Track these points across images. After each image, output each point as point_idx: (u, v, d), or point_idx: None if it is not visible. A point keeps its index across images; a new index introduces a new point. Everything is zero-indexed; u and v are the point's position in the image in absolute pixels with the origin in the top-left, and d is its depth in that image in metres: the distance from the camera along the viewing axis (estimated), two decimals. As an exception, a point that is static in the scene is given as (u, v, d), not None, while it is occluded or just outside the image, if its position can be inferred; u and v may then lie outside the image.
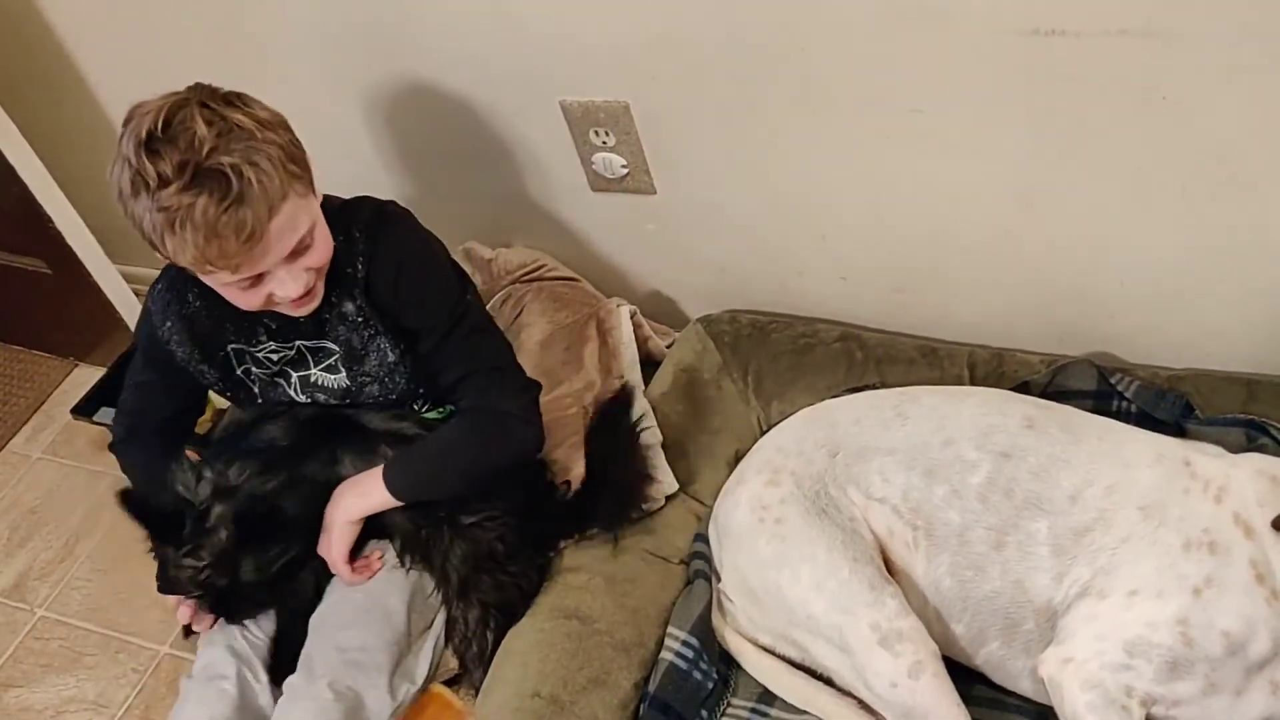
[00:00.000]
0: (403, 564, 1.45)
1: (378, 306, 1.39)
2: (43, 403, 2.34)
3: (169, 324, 1.43)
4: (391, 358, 1.42)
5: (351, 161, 1.88)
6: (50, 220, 2.03)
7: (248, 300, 1.29)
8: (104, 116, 2.06)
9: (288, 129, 1.27)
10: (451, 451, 1.40)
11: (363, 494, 1.40)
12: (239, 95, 1.25)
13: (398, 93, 1.73)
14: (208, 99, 1.22)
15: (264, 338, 1.43)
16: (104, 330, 2.25)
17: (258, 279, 1.26)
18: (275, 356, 1.44)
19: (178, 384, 1.50)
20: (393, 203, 1.45)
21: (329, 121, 1.82)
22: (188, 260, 1.21)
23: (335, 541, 1.41)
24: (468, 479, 1.41)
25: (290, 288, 1.28)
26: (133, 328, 2.18)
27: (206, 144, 1.17)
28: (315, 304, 1.35)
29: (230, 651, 1.42)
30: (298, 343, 1.43)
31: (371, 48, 1.68)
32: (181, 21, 1.77)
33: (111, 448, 1.59)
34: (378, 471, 1.39)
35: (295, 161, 1.25)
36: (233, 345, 1.44)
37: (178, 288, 1.42)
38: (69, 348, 2.40)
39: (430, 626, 1.48)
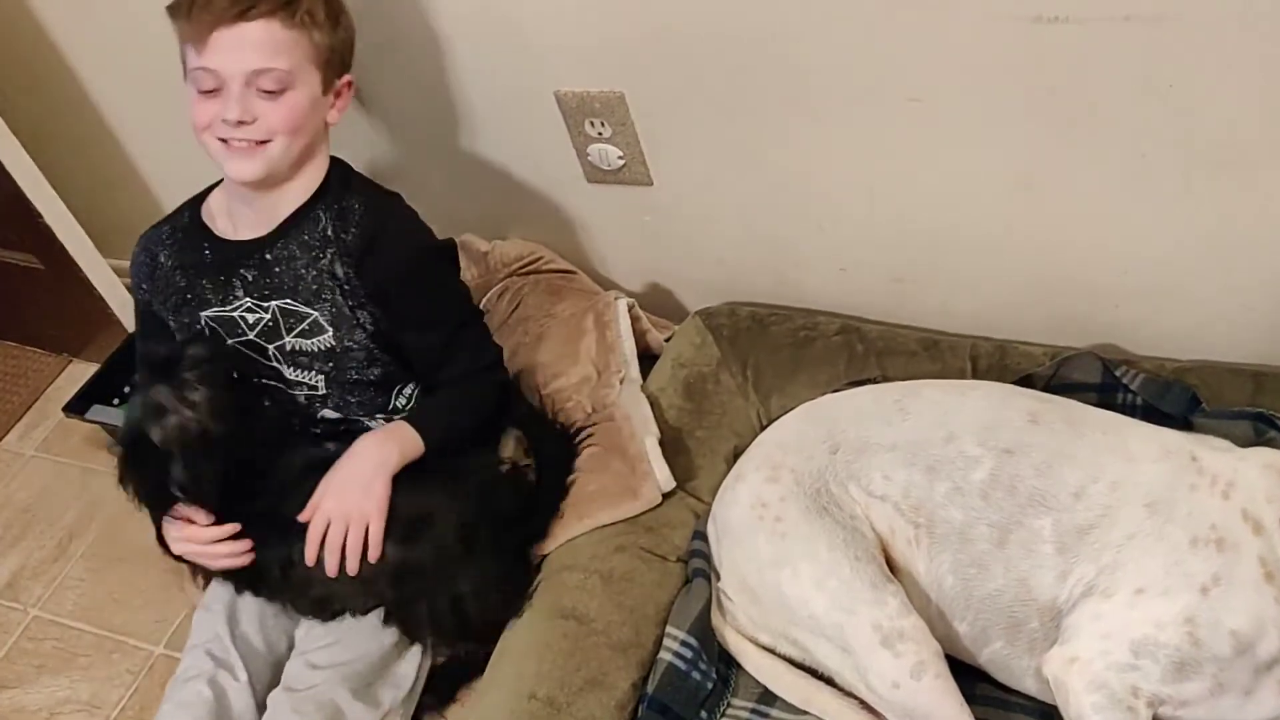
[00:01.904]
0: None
1: (366, 283, 1.40)
2: (36, 400, 2.32)
3: (144, 286, 1.47)
4: (370, 329, 1.43)
5: (345, 154, 1.86)
6: (40, 215, 2.01)
7: (200, 114, 1.32)
8: (93, 111, 2.05)
9: (345, 33, 1.38)
10: (469, 403, 1.47)
11: (399, 441, 1.39)
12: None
13: (391, 86, 1.71)
14: None
15: (240, 292, 1.41)
16: (97, 326, 2.23)
17: (215, 93, 1.30)
18: (251, 319, 1.42)
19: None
20: (390, 193, 1.48)
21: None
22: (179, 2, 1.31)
23: (381, 493, 1.34)
24: (478, 426, 1.49)
25: (233, 107, 1.29)
26: (125, 323, 2.17)
27: None
28: (257, 166, 1.34)
29: (208, 655, 1.41)
30: (273, 304, 1.41)
31: (364, 40, 1.65)
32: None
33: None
34: (402, 424, 1.40)
35: (331, 43, 1.34)
36: (210, 312, 1.43)
37: (150, 248, 1.47)
38: (62, 344, 2.39)
39: None
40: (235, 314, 1.42)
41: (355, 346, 1.43)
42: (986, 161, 1.41)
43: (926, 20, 1.29)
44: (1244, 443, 1.30)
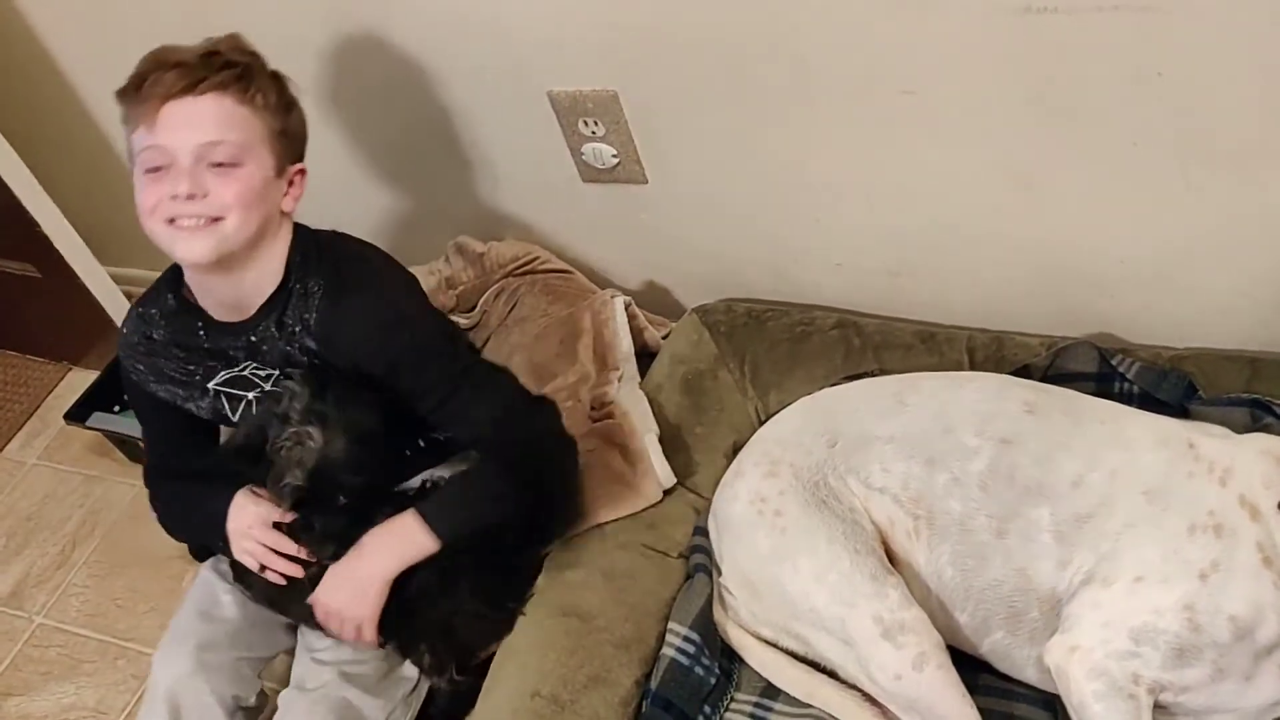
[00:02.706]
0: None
1: (340, 361, 1.34)
2: (37, 408, 2.33)
3: (140, 367, 1.42)
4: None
5: (339, 159, 1.86)
6: (37, 224, 2.01)
7: (147, 196, 1.25)
8: (88, 119, 2.05)
9: (298, 121, 1.35)
10: (491, 489, 1.35)
11: (402, 544, 1.32)
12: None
13: (384, 87, 1.71)
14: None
15: (242, 357, 1.38)
16: (96, 333, 2.23)
17: (163, 171, 1.24)
18: (262, 374, 1.39)
19: (177, 424, 1.45)
20: (368, 259, 1.41)
21: (314, 118, 1.80)
22: (129, 84, 1.27)
23: (374, 600, 1.33)
24: (511, 509, 1.37)
25: (183, 181, 1.23)
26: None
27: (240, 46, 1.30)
28: (208, 246, 1.26)
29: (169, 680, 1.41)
30: (273, 371, 1.38)
31: (356, 41, 1.66)
32: (164, 24, 1.75)
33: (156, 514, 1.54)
34: (409, 519, 1.32)
35: (284, 128, 1.30)
36: (220, 378, 1.40)
37: (142, 329, 1.41)
38: (62, 352, 2.39)
39: None
40: (245, 373, 1.40)
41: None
42: (980, 153, 1.41)
43: (917, 13, 1.29)
44: (1241, 429, 1.30)
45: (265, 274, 1.33)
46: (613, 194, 1.70)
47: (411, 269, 1.88)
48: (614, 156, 1.63)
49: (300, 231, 1.38)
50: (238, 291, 1.34)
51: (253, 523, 1.37)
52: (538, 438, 1.37)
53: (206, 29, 1.71)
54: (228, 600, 1.46)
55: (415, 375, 1.33)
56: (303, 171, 1.35)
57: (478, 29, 1.55)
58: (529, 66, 1.56)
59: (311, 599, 1.36)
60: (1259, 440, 1.25)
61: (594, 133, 1.61)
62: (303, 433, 1.30)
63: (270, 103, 1.28)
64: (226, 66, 1.26)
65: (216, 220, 1.25)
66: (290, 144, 1.32)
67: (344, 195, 1.92)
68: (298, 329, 1.33)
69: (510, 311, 1.81)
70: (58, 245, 2.05)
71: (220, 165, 1.24)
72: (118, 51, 1.67)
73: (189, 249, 1.27)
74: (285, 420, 1.31)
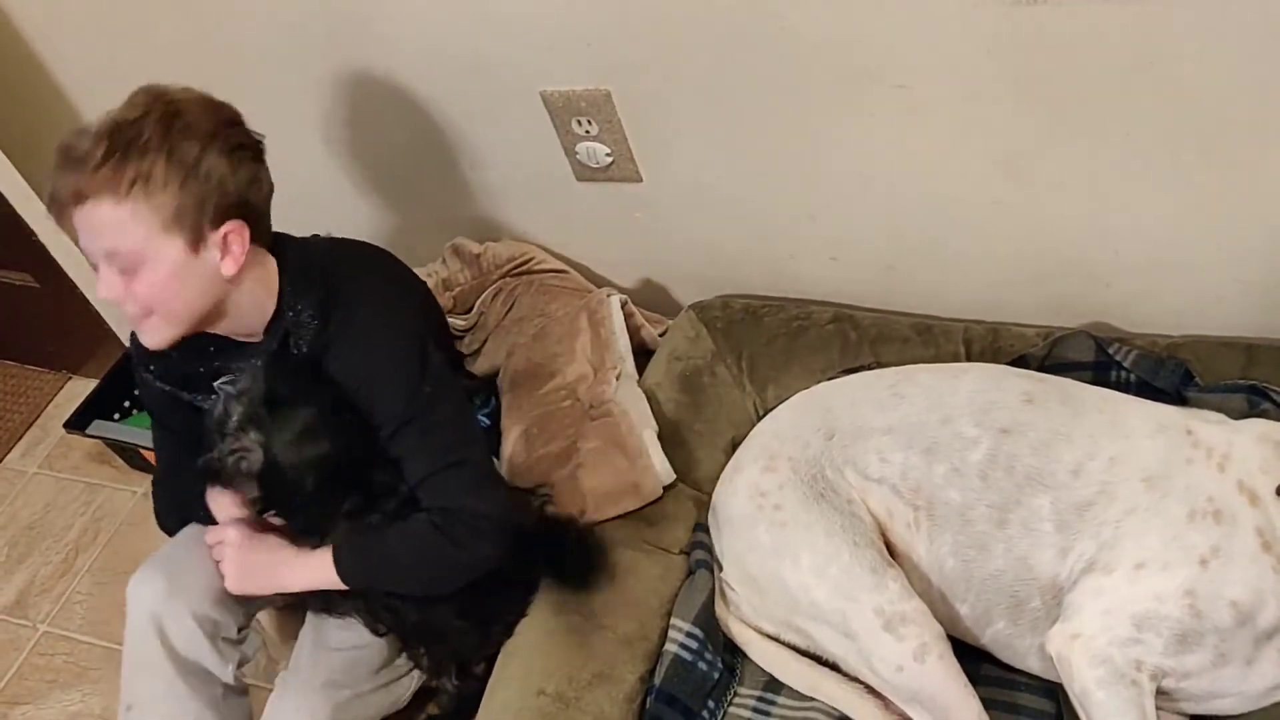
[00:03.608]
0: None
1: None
2: (37, 417, 2.33)
3: (153, 368, 1.41)
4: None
5: (335, 163, 1.87)
6: (34, 233, 2.02)
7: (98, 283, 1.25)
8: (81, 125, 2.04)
9: (213, 182, 1.21)
10: (413, 547, 1.29)
11: (315, 573, 1.32)
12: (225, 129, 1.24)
13: (378, 90, 1.71)
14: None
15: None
16: (95, 342, 2.24)
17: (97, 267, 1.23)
18: None
19: (193, 430, 1.39)
20: (358, 277, 1.37)
21: (310, 122, 1.81)
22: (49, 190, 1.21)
23: (264, 592, 1.36)
24: (424, 581, 1.33)
25: (101, 285, 1.23)
26: (123, 338, 2.17)
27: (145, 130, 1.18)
28: (159, 335, 1.27)
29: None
30: None
31: (348, 44, 1.66)
32: (158, 29, 1.76)
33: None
34: (327, 554, 1.31)
35: (183, 202, 1.19)
36: (226, 377, 1.38)
37: (146, 356, 1.39)
38: (61, 361, 2.40)
39: None
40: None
41: None
42: (973, 145, 1.42)
43: (909, 7, 1.29)
44: (1238, 415, 1.31)
45: (254, 310, 1.32)
46: (607, 193, 1.71)
47: (409, 271, 1.90)
48: (608, 155, 1.63)
49: (291, 255, 1.34)
50: (235, 327, 1.33)
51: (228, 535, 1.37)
52: (479, 515, 1.29)
53: (201, 36, 1.73)
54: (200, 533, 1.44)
55: (378, 403, 1.30)
56: (238, 230, 1.24)
57: (469, 29, 1.55)
58: (522, 67, 1.56)
59: (212, 545, 1.35)
60: (1256, 425, 1.26)
61: (588, 132, 1.61)
62: (240, 445, 1.28)
63: (156, 183, 1.18)
64: (105, 160, 1.16)
65: (150, 313, 1.25)
66: (199, 214, 1.21)
67: (341, 199, 1.93)
68: (298, 351, 1.33)
69: (508, 312, 1.81)
70: (55, 255, 2.06)
71: (125, 270, 1.22)
72: (114, 62, 1.68)
73: (147, 340, 1.29)
74: (223, 433, 1.29)
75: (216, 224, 1.23)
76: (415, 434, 1.29)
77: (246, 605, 1.44)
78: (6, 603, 1.97)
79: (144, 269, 1.21)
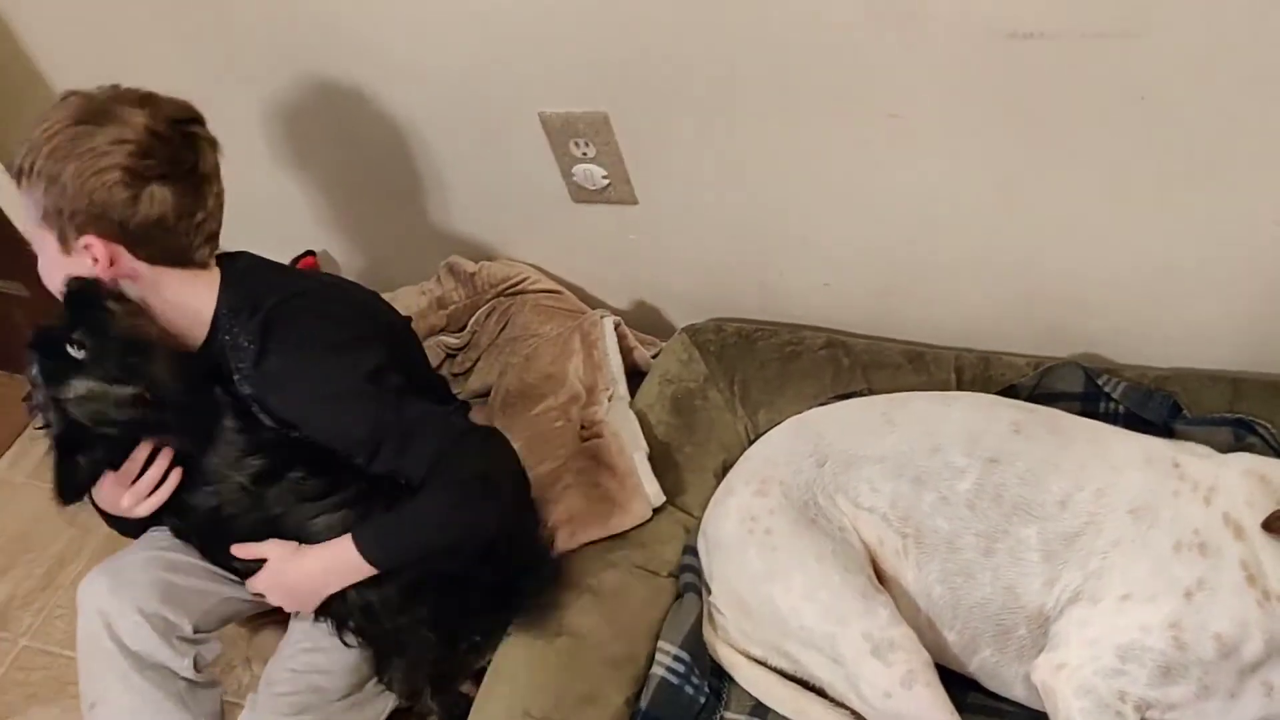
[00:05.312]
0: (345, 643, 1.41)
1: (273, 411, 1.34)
2: (25, 427, 2.31)
3: None
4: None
5: (332, 180, 1.87)
6: (24, 240, 2.01)
7: None
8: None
9: (79, 200, 1.24)
10: (436, 502, 1.27)
11: (340, 566, 1.29)
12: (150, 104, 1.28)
13: (376, 108, 1.72)
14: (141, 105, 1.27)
15: None
16: (85, 353, 2.22)
17: None
18: None
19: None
20: (289, 320, 1.33)
21: (306, 139, 1.81)
22: None
23: (315, 602, 1.35)
24: (463, 528, 1.28)
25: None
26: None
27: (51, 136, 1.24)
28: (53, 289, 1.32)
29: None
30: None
31: (348, 63, 1.67)
32: (151, 31, 1.76)
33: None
34: (346, 543, 1.28)
35: (57, 206, 1.24)
36: None
37: None
38: (50, 371, 2.38)
39: None
40: None
41: None
42: (966, 176, 1.43)
43: (903, 38, 1.31)
44: (1225, 448, 1.32)
45: (180, 322, 1.34)
46: (603, 214, 1.71)
47: (403, 289, 1.91)
48: (604, 177, 1.64)
49: (230, 282, 1.34)
50: (172, 329, 1.34)
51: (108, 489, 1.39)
52: (480, 472, 1.28)
53: (195, 40, 1.73)
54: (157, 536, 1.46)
55: (340, 439, 1.31)
56: (99, 244, 1.25)
57: (470, 51, 1.56)
58: (520, 88, 1.57)
59: (251, 588, 1.38)
60: (1242, 460, 1.27)
61: (585, 154, 1.62)
62: (64, 395, 1.36)
63: (34, 182, 1.25)
64: (28, 150, 1.25)
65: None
66: (65, 218, 1.24)
67: (337, 216, 1.93)
68: (236, 377, 1.34)
69: (501, 331, 1.82)
70: (47, 264, 2.05)
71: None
72: (107, 68, 1.66)
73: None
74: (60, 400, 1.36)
75: (79, 233, 1.27)
76: (392, 453, 1.28)
77: (205, 609, 1.43)
78: (-13, 615, 1.95)
79: (39, 252, 1.32)
